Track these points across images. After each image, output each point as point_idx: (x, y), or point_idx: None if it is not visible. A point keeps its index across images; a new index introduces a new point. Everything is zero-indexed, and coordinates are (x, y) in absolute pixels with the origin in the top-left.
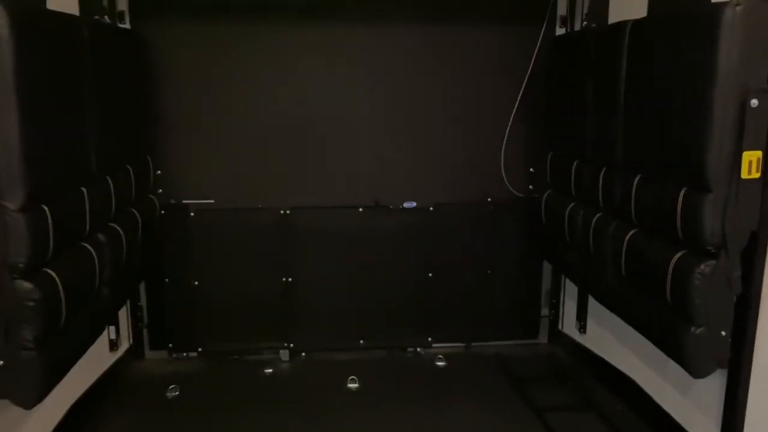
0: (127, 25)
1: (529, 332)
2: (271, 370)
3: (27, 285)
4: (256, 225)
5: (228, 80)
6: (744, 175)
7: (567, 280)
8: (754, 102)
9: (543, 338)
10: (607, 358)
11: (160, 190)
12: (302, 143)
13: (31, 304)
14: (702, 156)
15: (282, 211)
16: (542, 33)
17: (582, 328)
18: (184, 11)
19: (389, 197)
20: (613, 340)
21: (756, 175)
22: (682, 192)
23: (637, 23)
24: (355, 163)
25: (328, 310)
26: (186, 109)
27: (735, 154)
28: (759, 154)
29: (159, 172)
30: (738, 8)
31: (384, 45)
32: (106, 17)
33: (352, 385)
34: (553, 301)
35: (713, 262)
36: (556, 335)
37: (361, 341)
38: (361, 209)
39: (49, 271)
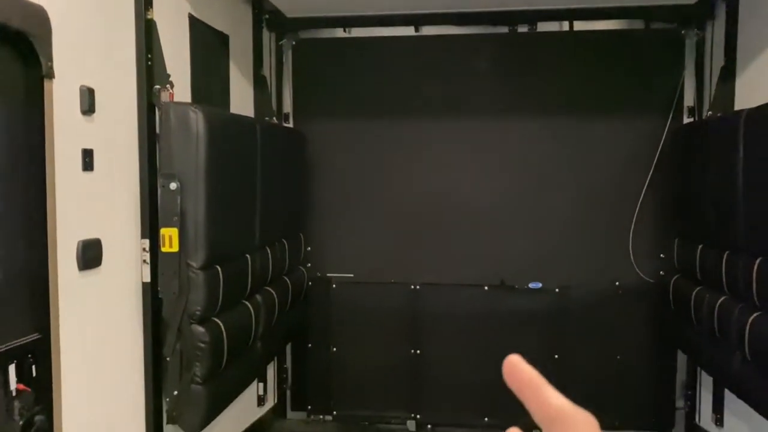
0: (291, 124)
1: (664, 424)
2: None
3: (200, 329)
4: (388, 298)
5: (370, 168)
6: None
7: (703, 371)
8: None
9: (679, 431)
10: None
11: (309, 264)
12: (434, 224)
13: (203, 345)
14: None
15: (412, 287)
16: (668, 123)
17: (719, 421)
18: (337, 112)
19: (515, 277)
20: None
21: None
22: None
23: (751, 112)
24: (483, 243)
25: (453, 385)
26: (333, 193)
27: None
28: None
29: (309, 248)
30: None
31: (514, 135)
32: (274, 118)
33: None
34: (689, 392)
35: None
36: (692, 429)
37: (486, 419)
38: (486, 288)
39: (217, 320)
